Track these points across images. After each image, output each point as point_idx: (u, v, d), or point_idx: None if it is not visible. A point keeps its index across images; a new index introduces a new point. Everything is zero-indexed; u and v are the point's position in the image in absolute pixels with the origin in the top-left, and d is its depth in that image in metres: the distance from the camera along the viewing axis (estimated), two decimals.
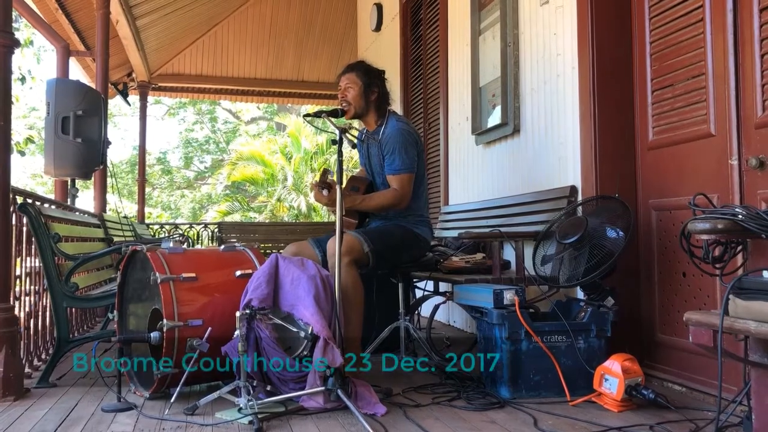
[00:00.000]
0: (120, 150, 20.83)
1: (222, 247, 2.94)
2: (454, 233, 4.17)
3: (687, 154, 2.77)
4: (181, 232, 9.48)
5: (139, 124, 8.91)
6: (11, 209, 2.85)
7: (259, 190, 16.53)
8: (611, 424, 2.23)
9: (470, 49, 4.46)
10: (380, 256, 2.91)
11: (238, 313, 2.39)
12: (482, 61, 4.31)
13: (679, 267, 2.80)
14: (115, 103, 14.23)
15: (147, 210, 13.28)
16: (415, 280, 3.84)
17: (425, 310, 4.17)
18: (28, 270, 3.26)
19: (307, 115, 2.90)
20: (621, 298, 2.77)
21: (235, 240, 8.79)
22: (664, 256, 2.90)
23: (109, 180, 5.58)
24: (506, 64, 3.92)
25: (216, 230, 9.29)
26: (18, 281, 3.13)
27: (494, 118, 4.10)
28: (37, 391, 2.80)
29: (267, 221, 14.56)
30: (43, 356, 3.38)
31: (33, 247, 3.15)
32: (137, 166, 9.91)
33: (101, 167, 4.72)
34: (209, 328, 2.47)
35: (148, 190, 17.82)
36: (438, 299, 3.75)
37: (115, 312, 2.85)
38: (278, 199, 15.32)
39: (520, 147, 3.87)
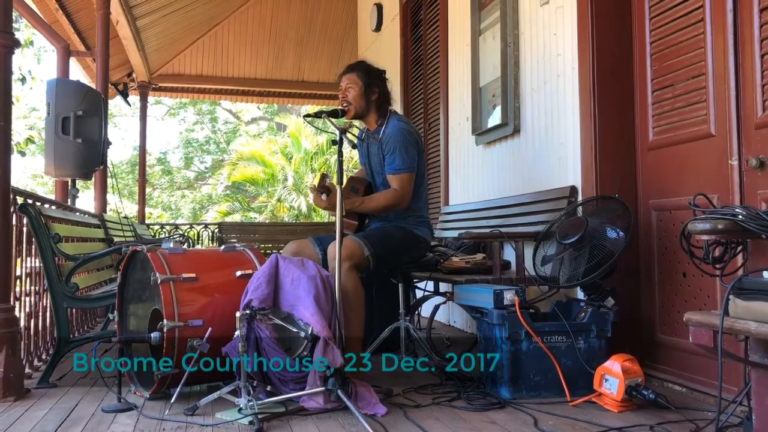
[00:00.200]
0: (120, 150, 20.87)
1: (222, 247, 2.94)
2: (455, 233, 4.17)
3: (687, 154, 2.77)
4: (181, 232, 9.49)
5: (139, 125, 8.92)
6: (11, 209, 2.85)
7: (260, 190, 16.53)
8: (611, 424, 2.23)
9: (470, 49, 4.46)
10: (381, 259, 2.91)
11: (238, 314, 2.39)
12: (482, 62, 4.31)
13: (679, 267, 2.80)
14: (115, 104, 14.24)
15: (147, 210, 13.29)
16: (415, 280, 3.84)
17: (425, 310, 4.17)
18: (28, 270, 3.27)
19: (308, 115, 2.90)
20: (621, 299, 2.77)
21: (235, 240, 8.79)
22: (665, 257, 2.90)
23: (109, 180, 5.59)
24: (506, 65, 3.92)
25: (216, 230, 9.29)
26: (18, 281, 3.13)
27: (494, 119, 4.10)
28: (37, 391, 2.80)
29: (267, 221, 14.56)
30: (44, 357, 3.38)
31: (33, 247, 3.15)
32: (137, 167, 9.92)
33: (101, 167, 4.72)
34: (209, 329, 2.47)
35: (148, 190, 17.83)
36: (438, 299, 3.75)
37: (116, 312, 2.85)
38: (278, 200, 15.33)
39: (520, 147, 3.87)
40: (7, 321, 2.70)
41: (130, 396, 2.66)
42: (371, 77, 3.12)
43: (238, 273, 2.72)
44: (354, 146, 2.88)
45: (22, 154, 10.91)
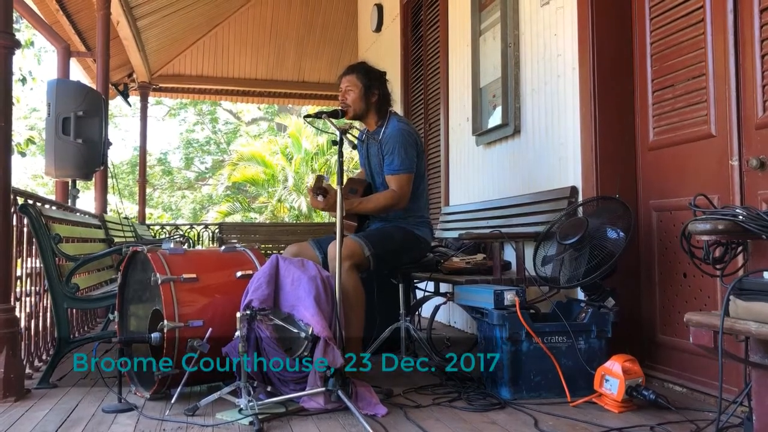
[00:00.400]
0: (121, 151, 20.88)
1: (222, 247, 2.94)
2: (455, 234, 4.17)
3: (687, 154, 2.77)
4: (181, 232, 9.49)
5: (139, 125, 8.92)
6: (12, 210, 2.86)
7: (260, 190, 16.54)
8: (612, 424, 2.23)
9: (471, 49, 4.46)
10: (381, 259, 2.92)
11: (238, 314, 2.39)
12: (483, 62, 4.31)
13: (679, 268, 2.80)
14: (115, 104, 14.25)
15: (148, 211, 13.31)
16: (415, 281, 3.84)
17: (426, 310, 4.17)
18: (28, 271, 3.27)
19: (308, 115, 2.90)
20: (621, 299, 2.77)
21: (235, 241, 8.80)
22: (665, 257, 2.90)
23: (109, 181, 5.59)
24: (507, 65, 3.92)
25: (217, 231, 9.30)
26: (19, 282, 3.13)
27: (495, 119, 4.10)
28: (37, 391, 2.80)
29: (268, 222, 14.56)
30: (44, 357, 3.38)
31: (34, 247, 3.15)
32: (138, 167, 9.92)
33: (102, 168, 4.72)
34: (210, 329, 2.48)
35: (148, 190, 17.83)
36: (438, 300, 3.75)
37: (116, 313, 2.85)
38: (279, 200, 15.33)
39: (520, 147, 3.87)
40: (8, 321, 2.70)
41: (131, 396, 2.66)
42: (371, 79, 3.12)
43: (239, 273, 2.72)
44: (354, 147, 2.89)
45: (23, 154, 10.91)
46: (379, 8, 6.90)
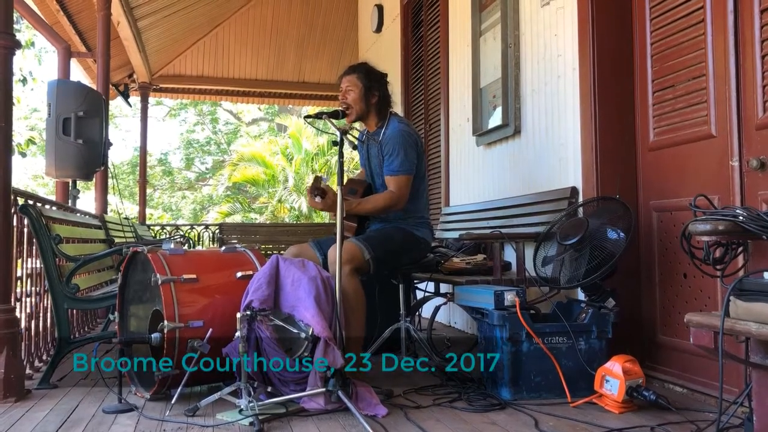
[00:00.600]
0: (121, 151, 20.89)
1: (223, 248, 2.94)
2: (455, 234, 4.17)
3: (688, 155, 2.77)
4: (182, 233, 9.49)
5: (140, 125, 8.92)
6: (12, 210, 2.86)
7: (260, 191, 16.54)
8: (612, 425, 2.23)
9: (471, 50, 4.47)
10: (381, 261, 2.91)
11: (238, 315, 2.39)
12: (483, 62, 4.31)
13: (679, 268, 2.80)
14: (116, 105, 14.26)
15: (148, 211, 13.31)
16: (415, 281, 3.84)
17: (426, 311, 4.17)
18: (29, 271, 3.27)
19: (308, 116, 2.90)
20: (622, 300, 2.77)
21: (236, 241, 8.81)
22: (665, 258, 2.90)
23: (110, 181, 5.58)
24: (507, 65, 3.92)
25: (217, 231, 9.30)
26: (19, 282, 3.13)
27: (495, 119, 4.10)
28: (38, 392, 2.80)
29: (268, 222, 14.57)
30: (44, 357, 3.38)
31: (34, 248, 3.15)
32: (138, 167, 9.92)
33: (102, 168, 4.71)
34: (210, 330, 2.48)
35: (149, 191, 17.82)
36: (439, 300, 3.75)
37: (116, 313, 2.85)
38: (279, 201, 15.33)
39: (520, 148, 3.87)
40: (8, 322, 2.70)
41: (131, 397, 2.66)
42: (372, 80, 3.12)
43: (239, 274, 2.72)
44: (354, 147, 2.89)
45: (23, 155, 10.91)
46: (380, 9, 6.90)
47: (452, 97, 5.00)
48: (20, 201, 3.05)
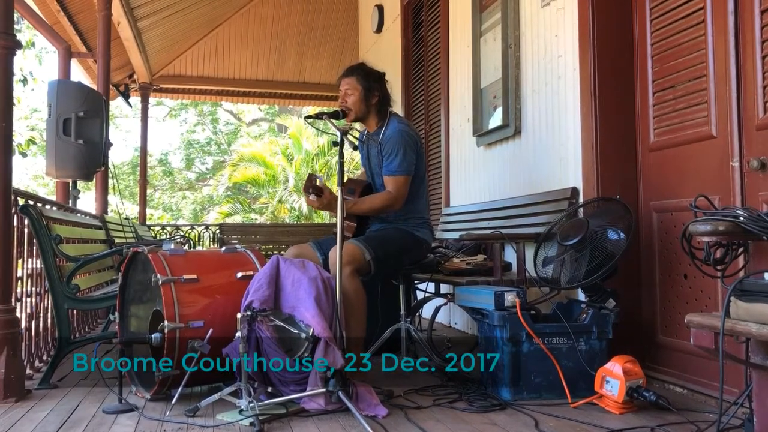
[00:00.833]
0: (121, 151, 20.88)
1: (223, 248, 2.94)
2: (455, 235, 4.17)
3: (688, 155, 2.77)
4: (182, 233, 9.49)
5: (140, 126, 8.93)
6: (13, 211, 2.86)
7: (261, 191, 16.54)
8: (612, 425, 2.23)
9: (471, 50, 4.47)
10: (381, 262, 2.91)
11: (239, 315, 2.39)
12: (483, 63, 4.31)
13: (680, 269, 2.80)
14: (116, 105, 14.26)
15: (148, 211, 13.31)
16: (416, 282, 3.84)
17: (426, 311, 4.17)
18: (29, 271, 3.27)
19: (309, 116, 2.90)
20: (622, 300, 2.77)
21: (236, 241, 8.80)
22: (666, 258, 2.90)
23: (110, 181, 5.58)
24: (507, 66, 3.92)
25: (217, 232, 9.30)
26: (19, 283, 3.13)
27: (495, 120, 4.10)
28: (38, 392, 2.80)
29: (268, 223, 14.58)
30: (45, 358, 3.39)
31: (34, 248, 3.15)
32: (138, 168, 9.92)
33: (103, 169, 4.72)
34: (210, 330, 2.47)
35: (149, 191, 17.84)
36: (439, 301, 3.75)
37: (116, 313, 2.85)
38: (279, 201, 15.34)
39: (521, 148, 3.87)
40: (9, 322, 2.70)
41: (131, 397, 2.66)
42: (371, 81, 3.12)
43: (239, 274, 2.72)
44: (355, 147, 2.89)
45: (24, 155, 10.91)
46: (380, 9, 6.90)
47: (452, 98, 5.00)
48: (21, 201, 3.05)
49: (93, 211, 5.51)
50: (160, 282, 2.50)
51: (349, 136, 2.65)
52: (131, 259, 2.79)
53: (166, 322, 2.45)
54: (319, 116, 2.83)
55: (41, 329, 3.38)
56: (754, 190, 2.43)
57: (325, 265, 2.94)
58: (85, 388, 2.87)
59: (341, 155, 2.63)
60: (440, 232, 4.66)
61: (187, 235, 9.40)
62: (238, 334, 2.36)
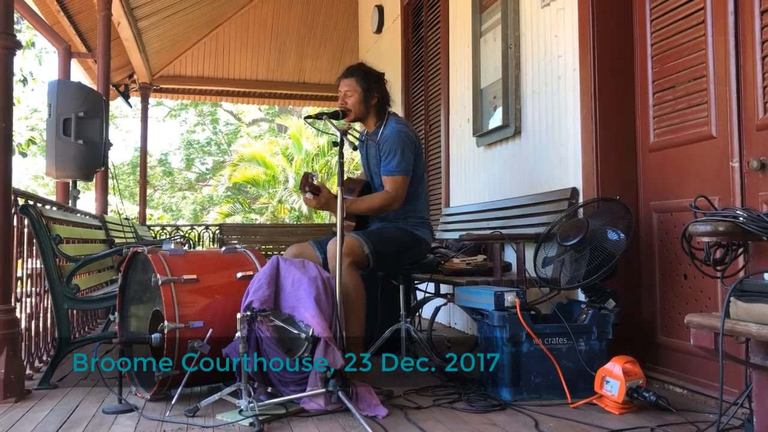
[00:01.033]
0: (121, 151, 20.88)
1: (223, 248, 2.94)
2: (455, 235, 4.17)
3: (688, 155, 2.77)
4: (182, 233, 9.49)
5: (140, 126, 8.93)
6: (13, 211, 2.86)
7: (261, 191, 16.55)
8: (612, 426, 2.23)
9: (471, 50, 4.47)
10: (380, 257, 2.92)
11: (239, 315, 2.39)
12: (483, 63, 4.31)
13: (680, 269, 2.80)
14: (116, 105, 14.26)
15: (148, 211, 13.31)
16: (416, 282, 3.84)
17: (426, 311, 4.17)
18: (29, 271, 3.27)
19: (309, 117, 2.90)
20: (622, 300, 2.77)
21: (236, 242, 8.80)
22: (666, 258, 2.90)
23: (110, 181, 5.58)
24: (507, 66, 3.92)
25: (217, 232, 9.30)
26: (19, 283, 3.13)
27: (495, 120, 4.10)
28: (38, 392, 2.80)
29: (268, 223, 14.58)
30: (45, 358, 3.38)
31: (34, 248, 3.15)
32: (138, 168, 9.92)
33: (102, 169, 4.72)
34: (210, 330, 2.47)
35: (149, 191, 17.83)
36: (439, 301, 3.75)
37: (116, 313, 2.85)
38: (279, 201, 15.34)
39: (521, 149, 3.87)
40: (8, 322, 2.70)
41: (131, 397, 2.66)
42: (370, 82, 3.12)
43: (239, 274, 2.72)
44: (355, 148, 2.88)
45: (24, 155, 10.91)
46: (380, 9, 6.90)
47: (452, 98, 5.00)
48: (20, 201, 3.05)
49: (93, 211, 5.51)
50: (159, 282, 2.50)
51: (349, 137, 2.65)
52: (131, 260, 2.79)
53: (165, 323, 2.45)
54: (318, 116, 2.83)
55: (41, 329, 3.38)
56: (754, 190, 2.43)
57: (325, 263, 2.94)
58: (85, 388, 2.87)
59: (341, 155, 2.63)
60: (440, 233, 4.66)
61: (187, 235, 9.39)
62: (238, 334, 2.36)
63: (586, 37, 3.16)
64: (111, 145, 4.76)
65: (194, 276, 2.60)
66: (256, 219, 16.56)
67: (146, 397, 2.63)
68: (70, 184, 4.89)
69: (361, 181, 3.27)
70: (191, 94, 9.77)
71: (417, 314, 3.96)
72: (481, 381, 2.81)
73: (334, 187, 2.69)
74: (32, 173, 18.62)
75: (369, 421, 2.23)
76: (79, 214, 4.55)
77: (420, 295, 3.91)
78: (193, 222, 17.72)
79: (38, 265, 3.23)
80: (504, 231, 3.39)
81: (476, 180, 4.55)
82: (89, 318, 4.67)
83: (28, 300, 3.24)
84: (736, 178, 2.51)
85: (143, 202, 9.01)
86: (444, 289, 4.01)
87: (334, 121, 2.78)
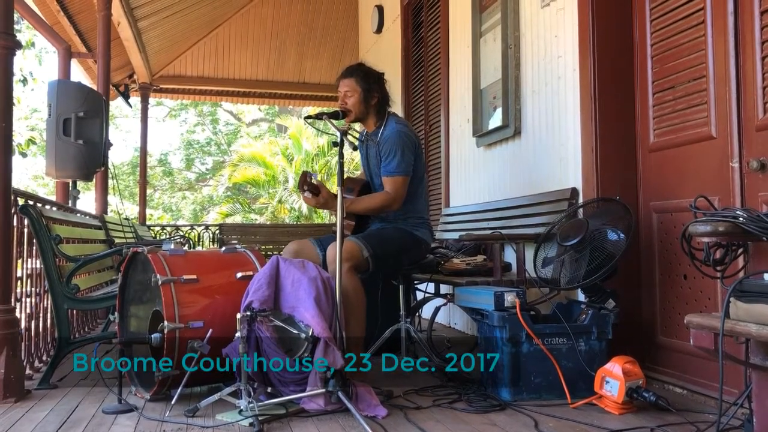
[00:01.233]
0: (121, 151, 20.88)
1: (223, 248, 2.94)
2: (455, 235, 4.17)
3: (688, 156, 2.77)
4: (182, 233, 9.49)
5: (140, 126, 8.93)
6: (12, 211, 2.86)
7: (261, 191, 16.54)
8: (612, 426, 2.23)
9: (471, 51, 4.47)
10: (380, 260, 2.92)
11: (239, 315, 2.39)
12: (483, 63, 4.31)
13: (680, 269, 2.80)
14: (116, 105, 14.26)
15: (148, 211, 13.31)
16: (415, 282, 3.84)
17: (426, 312, 4.17)
18: (29, 271, 3.27)
19: (309, 117, 2.90)
20: (622, 301, 2.77)
21: (236, 242, 8.79)
22: (665, 259, 2.90)
23: (110, 181, 5.58)
24: (507, 66, 3.92)
25: (217, 232, 9.30)
26: (19, 283, 3.13)
27: (495, 120, 4.10)
28: (37, 392, 2.80)
29: (268, 223, 14.57)
30: (44, 358, 3.38)
31: (34, 248, 3.15)
32: (138, 168, 9.92)
33: (102, 169, 4.72)
34: (210, 330, 2.48)
35: (149, 191, 17.82)
36: (439, 301, 3.75)
37: (116, 314, 2.85)
38: (279, 201, 15.34)
39: (521, 149, 3.87)
40: (8, 322, 2.70)
41: (131, 397, 2.66)
42: (370, 82, 3.12)
43: (239, 274, 2.72)
44: (355, 148, 2.88)
45: (24, 155, 10.91)
46: (380, 9, 6.90)
47: (452, 98, 5.00)
48: (20, 201, 3.05)
49: (93, 212, 5.51)
50: (159, 282, 2.50)
51: (349, 137, 2.65)
52: (131, 260, 2.79)
53: (165, 323, 2.45)
54: (318, 116, 2.83)
55: (41, 329, 3.38)
56: (753, 190, 2.43)
57: (324, 262, 2.94)
58: (85, 389, 2.87)
59: (341, 155, 2.63)
60: (440, 233, 4.66)
61: (186, 235, 9.39)
62: (237, 334, 2.36)
63: (585, 37, 3.16)
64: (111, 145, 4.76)
65: (194, 276, 2.60)
66: (256, 219, 16.56)
67: (146, 397, 2.63)
68: (70, 184, 4.89)
69: (361, 181, 3.27)
70: (191, 94, 9.77)
71: (417, 314, 3.96)
72: (481, 381, 2.81)
73: (333, 187, 2.69)
74: (32, 173, 18.62)
75: (369, 422, 2.23)
76: (79, 214, 4.55)
77: (420, 296, 3.91)
78: (193, 222, 17.71)
79: (38, 265, 3.23)
80: (504, 231, 3.39)
81: (476, 180, 4.55)
82: (89, 318, 4.67)
83: (28, 300, 3.24)
84: (736, 178, 2.51)
85: (143, 202, 9.01)
86: (444, 289, 4.01)
87: (334, 122, 2.78)
